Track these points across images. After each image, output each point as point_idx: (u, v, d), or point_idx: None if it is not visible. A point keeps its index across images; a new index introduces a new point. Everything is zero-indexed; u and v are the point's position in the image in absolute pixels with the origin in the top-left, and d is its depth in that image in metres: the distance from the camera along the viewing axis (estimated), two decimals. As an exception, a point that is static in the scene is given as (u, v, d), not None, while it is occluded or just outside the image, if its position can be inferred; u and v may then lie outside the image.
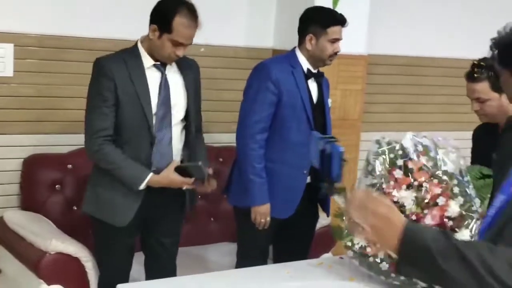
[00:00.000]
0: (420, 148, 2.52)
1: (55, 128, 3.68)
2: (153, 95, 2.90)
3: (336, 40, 3.20)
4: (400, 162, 2.47)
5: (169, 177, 2.89)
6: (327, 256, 3.17)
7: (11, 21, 3.50)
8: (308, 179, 3.23)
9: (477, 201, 2.44)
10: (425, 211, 2.42)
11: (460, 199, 2.43)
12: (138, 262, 3.22)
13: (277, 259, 3.39)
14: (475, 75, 2.80)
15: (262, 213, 3.19)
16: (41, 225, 3.34)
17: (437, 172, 2.46)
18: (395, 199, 2.42)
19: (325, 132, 3.33)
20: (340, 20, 3.21)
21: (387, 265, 2.41)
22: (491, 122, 2.91)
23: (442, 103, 4.97)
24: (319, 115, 3.30)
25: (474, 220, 2.38)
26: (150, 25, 2.88)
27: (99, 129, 2.85)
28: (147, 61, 2.92)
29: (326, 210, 3.39)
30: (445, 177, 2.46)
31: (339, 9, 3.62)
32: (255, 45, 4.18)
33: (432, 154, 2.51)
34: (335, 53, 3.22)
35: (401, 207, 2.39)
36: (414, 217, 2.37)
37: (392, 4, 4.56)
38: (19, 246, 3.25)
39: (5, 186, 3.59)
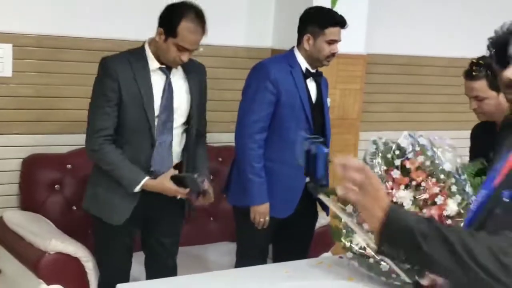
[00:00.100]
0: (417, 147, 2.52)
1: (54, 128, 3.68)
2: (157, 98, 2.91)
3: (333, 42, 3.19)
4: (397, 162, 2.47)
5: (164, 184, 2.89)
6: (326, 255, 3.17)
7: (10, 21, 3.50)
8: (307, 179, 3.23)
9: (474, 199, 2.44)
10: (424, 211, 2.42)
11: (458, 198, 2.43)
12: (138, 262, 3.23)
13: (277, 259, 3.39)
14: (474, 73, 2.81)
15: (261, 213, 3.19)
16: (41, 225, 3.34)
17: (435, 171, 2.47)
18: (394, 199, 2.42)
19: (324, 132, 3.34)
20: (339, 22, 3.20)
21: (387, 266, 2.41)
22: (489, 121, 2.92)
23: (441, 103, 4.97)
24: (318, 114, 3.30)
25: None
26: (157, 27, 2.88)
27: (100, 129, 2.86)
28: (153, 64, 2.92)
29: (326, 209, 3.40)
30: (442, 176, 2.46)
31: (337, 9, 3.62)
32: (254, 45, 4.18)
33: (429, 153, 2.51)
34: (333, 54, 3.22)
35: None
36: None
37: (391, 4, 4.56)
38: (19, 246, 3.25)
39: (4, 186, 3.59)
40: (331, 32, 3.17)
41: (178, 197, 2.94)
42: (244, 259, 3.28)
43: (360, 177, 1.46)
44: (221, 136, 3.97)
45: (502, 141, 1.71)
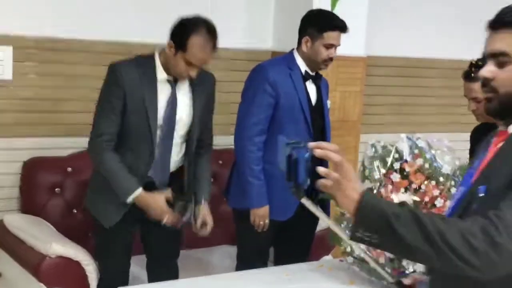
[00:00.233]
0: (415, 150, 2.52)
1: (55, 131, 3.68)
2: (160, 108, 2.91)
3: (331, 46, 3.17)
4: (397, 165, 2.47)
5: (157, 202, 2.89)
6: (327, 258, 3.17)
7: (10, 23, 3.50)
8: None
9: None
10: (424, 213, 2.42)
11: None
12: (140, 265, 3.24)
13: (278, 261, 3.39)
14: (473, 74, 2.81)
15: (260, 216, 3.19)
16: (41, 228, 3.33)
17: (433, 174, 2.47)
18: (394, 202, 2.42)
19: (324, 134, 3.34)
20: (339, 26, 3.18)
21: (389, 270, 2.41)
22: (488, 123, 2.92)
23: (441, 105, 4.98)
24: (317, 117, 3.30)
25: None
26: (168, 39, 2.86)
27: (103, 133, 2.87)
28: (161, 74, 2.91)
29: (326, 212, 3.40)
30: (442, 179, 2.46)
31: (337, 11, 3.62)
32: (254, 47, 4.18)
33: (427, 155, 2.51)
34: (330, 59, 3.20)
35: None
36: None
37: (390, 6, 4.56)
38: (19, 250, 3.25)
39: (5, 189, 3.59)
40: (329, 36, 3.16)
41: (163, 221, 2.91)
42: (245, 262, 3.29)
43: (335, 174, 1.51)
44: (220, 139, 3.97)
45: (481, 142, 1.74)
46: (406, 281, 2.43)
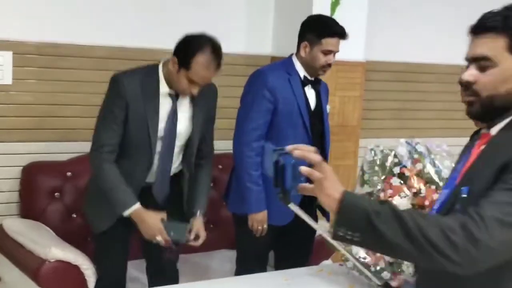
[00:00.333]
0: (414, 155, 2.52)
1: (55, 135, 3.68)
2: (161, 121, 2.91)
3: (329, 52, 3.17)
4: (396, 169, 2.48)
5: (152, 221, 2.87)
6: (326, 263, 3.16)
7: (10, 29, 3.51)
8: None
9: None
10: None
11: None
12: (140, 269, 3.24)
13: (278, 266, 3.39)
14: None
15: (259, 221, 3.19)
16: (41, 233, 3.33)
17: (433, 178, 2.47)
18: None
19: (324, 139, 3.34)
20: (337, 33, 3.17)
21: (388, 274, 2.42)
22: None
23: (440, 109, 4.98)
24: (316, 121, 3.30)
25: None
26: (172, 55, 2.84)
27: (104, 144, 2.86)
28: (163, 88, 2.89)
29: (326, 215, 3.40)
30: (441, 184, 2.47)
31: (337, 16, 3.63)
32: (253, 52, 4.19)
33: (427, 160, 2.51)
34: (328, 65, 3.20)
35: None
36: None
37: (390, 11, 4.58)
38: (19, 254, 3.25)
39: (4, 194, 3.59)
40: (327, 42, 3.16)
41: (156, 239, 2.88)
42: (244, 266, 3.29)
43: (317, 173, 1.54)
44: (219, 144, 3.98)
45: (465, 146, 1.79)
46: (393, 283, 2.44)
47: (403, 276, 2.43)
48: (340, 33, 3.18)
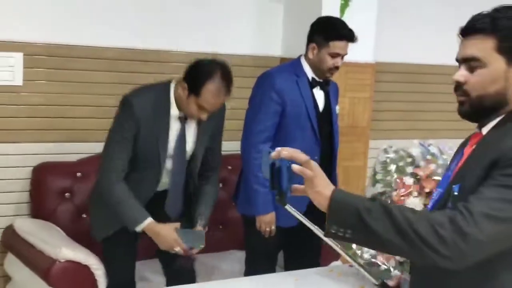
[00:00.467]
0: (427, 156, 2.52)
1: (65, 136, 3.70)
2: (171, 141, 2.92)
3: (337, 55, 3.16)
4: (409, 169, 2.48)
5: (167, 232, 2.88)
6: (336, 264, 3.16)
7: (20, 30, 3.53)
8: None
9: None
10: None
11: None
12: (151, 270, 3.26)
13: (287, 266, 3.39)
14: None
15: (266, 222, 3.19)
16: (51, 233, 3.35)
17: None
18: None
19: (332, 140, 3.33)
20: (345, 36, 3.15)
21: (398, 273, 2.41)
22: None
23: (450, 111, 4.91)
24: (325, 123, 3.29)
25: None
26: (182, 80, 2.85)
27: (115, 167, 2.87)
28: (173, 110, 2.90)
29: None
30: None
31: (346, 17, 3.62)
32: (263, 53, 4.19)
33: (440, 161, 2.51)
34: (336, 68, 3.19)
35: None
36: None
37: (399, 12, 4.56)
38: (29, 254, 3.26)
39: (15, 194, 3.61)
40: (335, 45, 3.14)
41: (176, 249, 2.89)
42: (253, 267, 3.29)
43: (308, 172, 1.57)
44: (227, 145, 3.98)
45: (460, 145, 1.82)
46: (391, 282, 2.43)
47: (403, 275, 2.43)
48: (348, 36, 3.16)
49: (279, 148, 1.58)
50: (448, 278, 1.60)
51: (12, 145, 3.57)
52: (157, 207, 2.97)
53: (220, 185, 3.84)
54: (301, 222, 3.34)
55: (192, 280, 3.13)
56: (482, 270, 1.56)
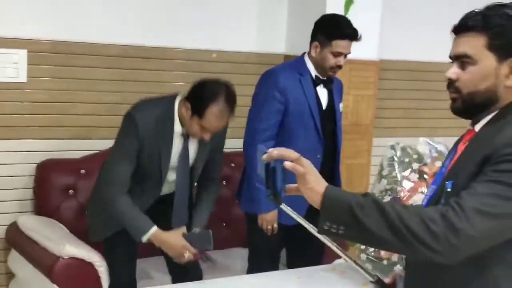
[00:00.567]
0: (434, 153, 2.52)
1: (69, 133, 3.70)
2: (173, 156, 2.92)
3: (339, 54, 3.14)
4: (415, 166, 2.48)
5: (175, 239, 2.87)
6: (339, 261, 3.16)
7: (25, 27, 3.53)
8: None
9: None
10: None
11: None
12: (154, 268, 3.26)
13: (290, 264, 3.39)
14: None
15: (268, 220, 3.19)
16: (55, 230, 3.35)
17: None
18: (411, 203, 2.42)
19: (336, 138, 3.32)
20: (348, 35, 3.14)
21: (401, 268, 2.41)
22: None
23: (454, 108, 4.95)
24: (328, 121, 3.28)
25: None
26: (185, 100, 2.83)
27: (119, 181, 2.87)
28: (177, 128, 2.89)
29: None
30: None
31: (350, 15, 3.62)
32: (267, 50, 4.19)
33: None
34: (338, 66, 3.18)
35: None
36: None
37: (403, 10, 4.55)
38: (33, 251, 3.27)
39: (18, 191, 3.61)
40: (337, 44, 3.13)
41: (186, 256, 2.87)
42: (256, 264, 3.29)
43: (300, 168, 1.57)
44: (232, 142, 3.98)
45: (454, 143, 1.83)
46: (387, 279, 2.44)
47: (397, 270, 2.43)
48: (351, 35, 3.14)
49: (270, 150, 1.59)
50: (442, 273, 1.61)
51: (16, 142, 3.58)
52: (157, 213, 2.96)
53: (224, 182, 3.85)
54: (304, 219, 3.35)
55: (199, 278, 3.13)
56: (476, 265, 1.57)
